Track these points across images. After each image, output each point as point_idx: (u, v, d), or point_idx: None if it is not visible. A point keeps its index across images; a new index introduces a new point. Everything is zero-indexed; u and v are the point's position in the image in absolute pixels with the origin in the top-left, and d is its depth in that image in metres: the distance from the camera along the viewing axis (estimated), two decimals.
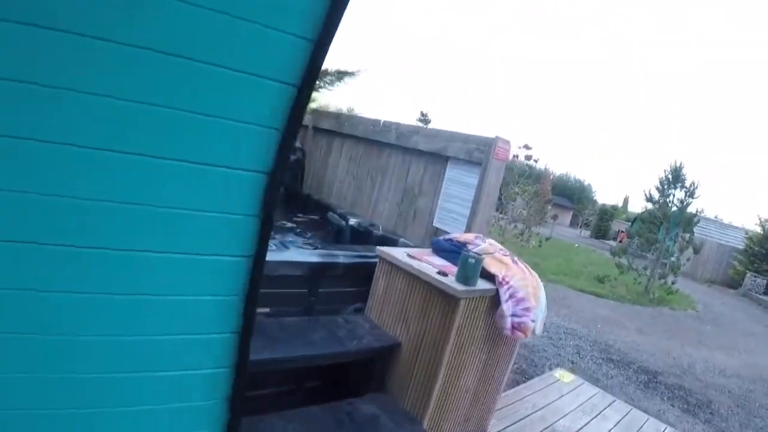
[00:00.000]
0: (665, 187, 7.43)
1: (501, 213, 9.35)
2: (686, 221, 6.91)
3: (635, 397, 2.72)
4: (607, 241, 15.58)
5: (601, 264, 8.73)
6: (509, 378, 1.83)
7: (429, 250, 1.80)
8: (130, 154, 0.67)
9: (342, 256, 1.69)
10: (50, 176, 0.65)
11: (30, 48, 0.60)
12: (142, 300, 0.73)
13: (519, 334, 1.48)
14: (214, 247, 0.75)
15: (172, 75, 0.66)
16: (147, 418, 0.78)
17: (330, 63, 4.14)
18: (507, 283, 1.52)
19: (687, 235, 7.06)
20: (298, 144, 3.15)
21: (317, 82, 3.85)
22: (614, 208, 21.92)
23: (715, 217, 13.49)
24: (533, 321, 1.49)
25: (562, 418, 1.95)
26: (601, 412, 2.08)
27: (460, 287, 1.39)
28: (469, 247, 1.67)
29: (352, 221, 2.35)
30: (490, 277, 1.53)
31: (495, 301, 1.50)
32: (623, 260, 7.23)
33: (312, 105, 3.67)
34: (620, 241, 11.86)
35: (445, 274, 1.51)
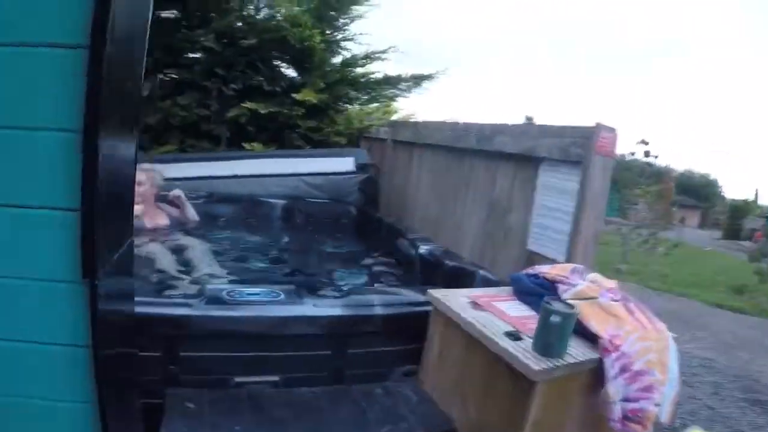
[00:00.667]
0: None
1: (622, 218, 10.22)
2: None
3: None
4: (742, 242, 17.27)
5: (737, 270, 9.43)
6: None
7: (508, 291, 1.66)
8: None
9: (380, 304, 1.65)
10: None
11: None
12: None
13: (635, 427, 1.23)
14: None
15: None
16: None
17: (404, 68, 4.43)
18: (617, 348, 1.27)
19: None
20: (368, 160, 3.47)
21: (390, 90, 4.32)
22: (746, 202, 24.00)
23: None
24: (657, 405, 1.24)
25: None
26: None
27: (537, 362, 1.21)
28: (560, 289, 1.47)
29: (423, 249, 2.38)
30: (590, 336, 1.31)
31: (597, 375, 1.26)
32: (762, 265, 7.68)
33: (393, 117, 4.03)
34: (756, 242, 13.00)
35: (517, 337, 1.34)
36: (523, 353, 1.25)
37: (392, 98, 4.40)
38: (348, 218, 3.33)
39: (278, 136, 3.91)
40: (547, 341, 1.27)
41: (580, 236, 1.68)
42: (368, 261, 2.71)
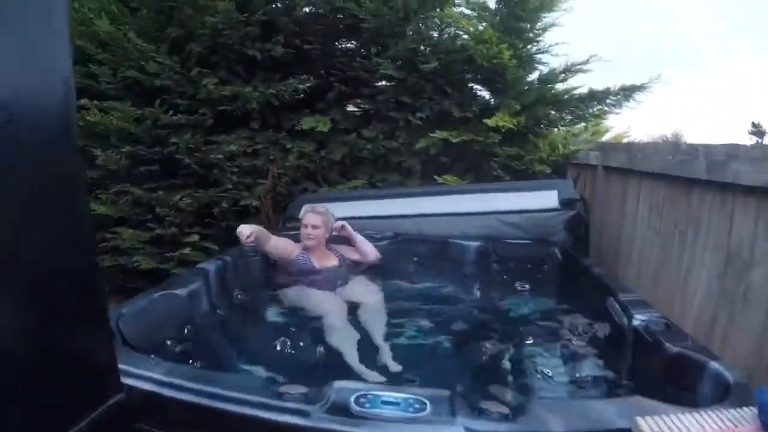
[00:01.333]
0: None
1: None
2: None
3: None
4: None
5: None
6: None
7: (752, 416, 1.34)
8: None
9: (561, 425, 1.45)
10: None
11: None
12: None
13: None
14: None
15: None
16: None
17: (610, 79, 4.68)
18: None
19: None
20: (572, 193, 3.77)
21: (597, 107, 4.68)
22: None
23: None
24: None
25: None
26: None
27: None
28: None
29: (638, 320, 2.27)
30: None
31: None
32: None
33: (606, 136, 4.30)
34: None
35: None
36: None
37: (600, 116, 4.81)
38: (551, 263, 3.65)
39: (475, 167, 4.62)
40: None
41: None
42: (567, 330, 2.70)
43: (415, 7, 4.54)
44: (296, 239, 3.59)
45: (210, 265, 3.08)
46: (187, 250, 4.56)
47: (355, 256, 3.64)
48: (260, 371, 2.23)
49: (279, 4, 4.78)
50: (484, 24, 4.65)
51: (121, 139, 4.69)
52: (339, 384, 1.65)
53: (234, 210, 4.72)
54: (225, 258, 3.28)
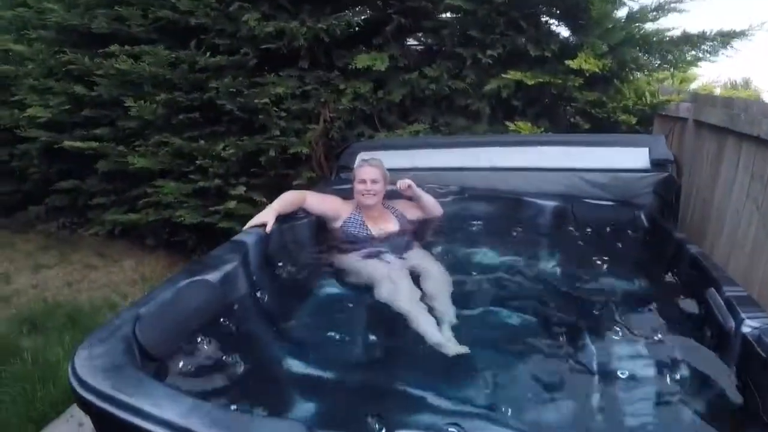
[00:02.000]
0: None
1: None
2: None
3: None
4: None
5: None
6: None
7: None
8: None
9: None
10: None
11: None
12: None
13: None
14: None
15: None
16: None
17: (706, 23, 4.85)
18: None
19: None
20: (666, 153, 3.90)
21: (689, 53, 5.03)
22: None
23: None
24: None
25: None
26: None
27: None
28: None
29: (749, 326, 2.23)
30: None
31: None
32: None
33: (693, 85, 4.59)
34: None
35: None
36: None
37: (693, 63, 5.09)
38: (636, 230, 3.83)
39: (549, 112, 5.01)
40: None
41: None
42: (653, 321, 2.75)
43: None
44: (348, 194, 3.80)
45: (249, 237, 3.12)
46: (232, 204, 5.11)
47: (416, 214, 3.87)
48: (311, 369, 2.31)
49: None
50: None
51: (156, 86, 5.17)
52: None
53: (282, 158, 5.21)
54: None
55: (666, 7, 4.92)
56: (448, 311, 2.76)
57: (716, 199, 3.76)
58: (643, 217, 3.91)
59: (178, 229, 5.59)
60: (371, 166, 3.66)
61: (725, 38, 4.89)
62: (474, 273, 3.35)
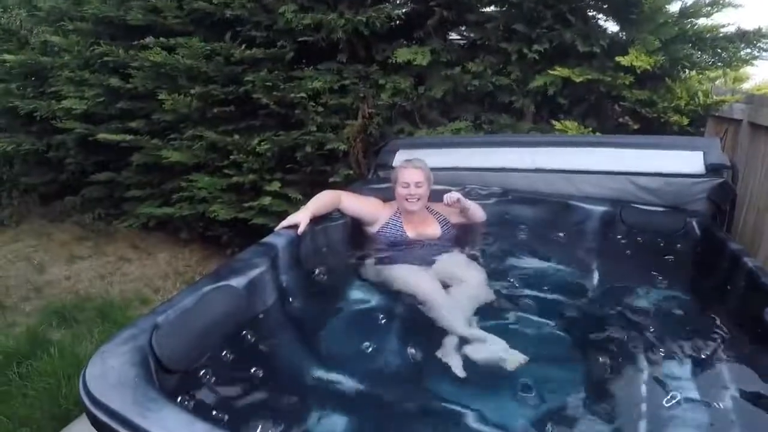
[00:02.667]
0: None
1: None
2: None
3: None
4: None
5: None
6: None
7: None
8: None
9: None
10: None
11: None
12: None
13: None
14: None
15: None
16: None
17: (763, 19, 4.69)
18: None
19: None
20: (722, 157, 3.71)
21: (744, 51, 4.77)
22: None
23: None
24: None
25: None
26: None
27: None
28: None
29: None
30: None
31: None
32: None
33: (745, 85, 4.42)
34: None
35: None
36: None
37: (748, 61, 4.85)
38: (686, 239, 3.68)
39: (596, 111, 4.85)
40: None
41: None
42: (705, 340, 2.61)
43: None
44: (386, 194, 3.66)
45: (279, 239, 2.98)
46: (267, 200, 5.03)
47: (461, 219, 3.71)
48: (341, 384, 2.23)
49: None
50: None
51: (191, 79, 5.12)
52: None
53: (319, 154, 5.12)
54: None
55: (721, 1, 4.73)
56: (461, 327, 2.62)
57: None
58: (695, 225, 3.73)
59: (213, 223, 5.53)
60: (415, 168, 3.46)
61: None
62: (516, 282, 3.20)
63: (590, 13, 4.99)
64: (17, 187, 7.57)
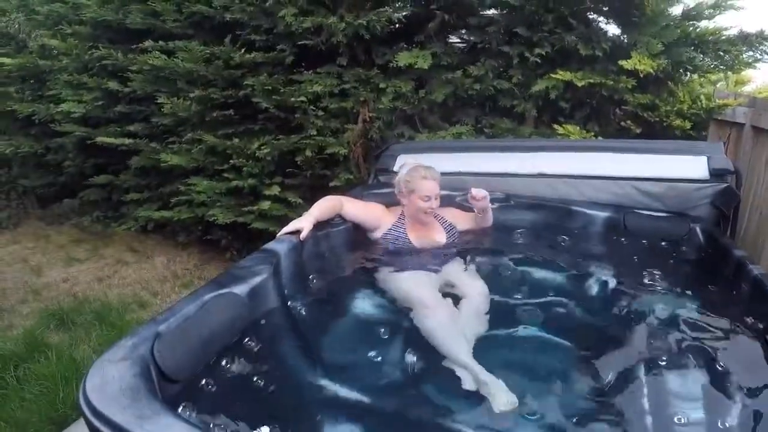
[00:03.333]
0: None
1: None
2: None
3: None
4: None
5: None
6: None
7: None
8: None
9: None
10: None
11: None
12: None
13: None
14: None
15: None
16: None
17: (766, 22, 4.63)
18: None
19: None
20: (725, 162, 3.69)
21: (748, 53, 4.71)
22: None
23: None
24: None
25: None
26: None
27: None
28: None
29: None
30: None
31: None
32: None
33: (747, 87, 4.36)
34: None
35: None
36: None
37: (751, 64, 4.81)
38: (689, 245, 3.65)
39: (598, 115, 4.82)
40: None
41: None
42: (711, 340, 2.62)
43: None
44: (388, 199, 3.62)
45: (281, 245, 2.95)
46: (266, 204, 5.01)
47: (466, 225, 3.68)
48: (343, 393, 2.20)
49: None
50: None
51: (190, 82, 5.09)
52: None
53: (319, 159, 5.09)
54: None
55: (723, 4, 4.68)
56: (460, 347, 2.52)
57: None
58: (698, 231, 3.70)
59: (212, 227, 5.51)
60: (434, 180, 3.38)
61: None
62: (519, 289, 3.14)
63: (591, 17, 4.94)
64: (15, 189, 7.59)
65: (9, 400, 3.46)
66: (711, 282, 3.26)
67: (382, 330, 2.66)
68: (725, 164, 3.78)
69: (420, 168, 3.41)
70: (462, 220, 3.68)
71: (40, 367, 3.70)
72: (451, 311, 2.81)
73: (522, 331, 2.76)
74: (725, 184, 3.75)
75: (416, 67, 4.82)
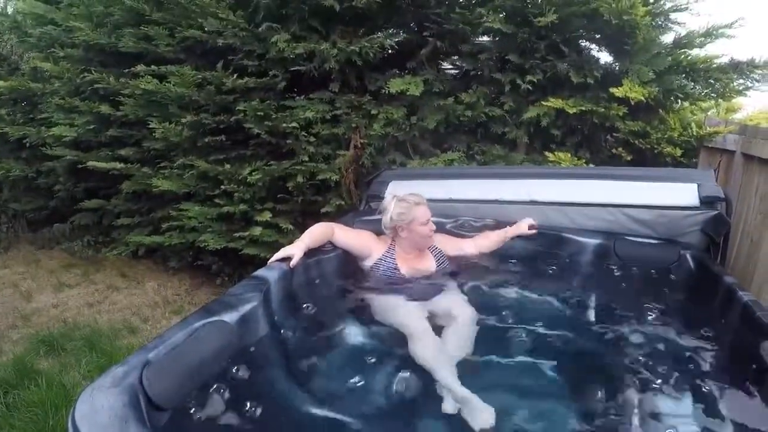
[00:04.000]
0: None
1: None
2: None
3: None
4: None
5: None
6: None
7: None
8: None
9: None
10: None
11: None
12: None
13: None
14: None
15: None
16: None
17: (756, 50, 4.71)
18: None
19: None
20: (716, 189, 3.70)
21: (738, 81, 4.75)
22: None
23: None
24: None
25: None
26: None
27: None
28: None
29: None
30: None
31: None
32: None
33: (737, 115, 4.39)
34: None
35: None
36: None
37: (741, 92, 4.85)
38: (679, 272, 3.66)
39: (590, 142, 4.84)
40: None
41: None
42: (701, 366, 2.65)
43: None
44: (379, 226, 3.59)
45: (271, 272, 2.94)
46: (258, 230, 5.00)
47: (456, 251, 3.71)
48: (332, 421, 2.21)
49: None
50: None
51: (182, 107, 5.10)
52: None
53: (311, 184, 5.08)
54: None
55: (714, 32, 4.73)
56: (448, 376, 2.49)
57: (766, 240, 3.59)
58: (689, 258, 3.70)
59: (202, 252, 5.49)
60: (425, 203, 3.46)
61: None
62: (509, 316, 3.15)
63: (583, 44, 4.99)
64: (6, 213, 7.57)
65: None
66: (701, 308, 3.28)
67: (371, 357, 2.68)
68: (716, 191, 3.79)
69: (407, 197, 3.44)
70: (451, 246, 3.70)
71: (30, 394, 3.67)
72: (437, 339, 2.80)
73: (511, 356, 2.77)
74: (715, 212, 3.75)
75: (408, 93, 4.84)
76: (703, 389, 2.46)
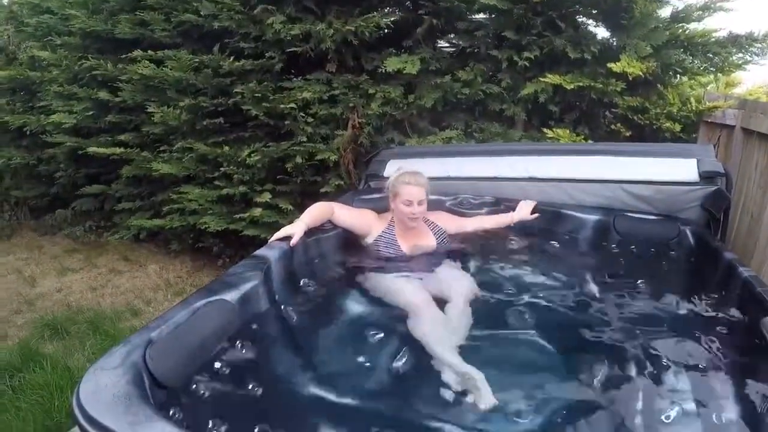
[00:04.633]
0: None
1: None
2: None
3: None
4: None
5: None
6: None
7: None
8: None
9: None
10: None
11: None
12: None
13: None
14: None
15: None
16: None
17: (755, 23, 4.61)
18: None
19: None
20: (715, 164, 3.66)
21: (737, 55, 4.72)
22: None
23: None
24: None
25: None
26: None
27: None
28: None
29: None
30: None
31: None
32: None
33: (737, 89, 4.35)
34: None
35: None
36: None
37: (740, 66, 4.80)
38: (679, 248, 3.64)
39: (588, 118, 4.80)
40: None
41: None
42: (701, 342, 2.59)
43: None
44: (378, 204, 3.63)
45: (272, 252, 2.93)
46: (258, 211, 4.98)
47: (456, 228, 3.68)
48: (333, 397, 2.20)
49: None
50: None
51: (180, 91, 5.08)
52: None
53: (309, 165, 5.05)
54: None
55: (712, 6, 4.67)
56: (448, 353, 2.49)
57: (766, 215, 3.55)
58: (689, 233, 3.68)
59: (203, 234, 5.48)
60: (418, 186, 3.33)
61: None
62: (510, 293, 3.14)
63: (580, 20, 4.93)
64: (8, 200, 7.56)
65: (5, 409, 3.44)
66: (701, 284, 3.23)
67: (373, 334, 2.64)
68: (715, 167, 3.76)
69: (406, 174, 3.40)
70: (452, 224, 3.67)
71: (35, 377, 3.69)
72: (440, 313, 2.80)
73: (512, 332, 2.75)
74: (715, 187, 3.73)
75: (405, 72, 4.79)
76: (703, 365, 2.44)
